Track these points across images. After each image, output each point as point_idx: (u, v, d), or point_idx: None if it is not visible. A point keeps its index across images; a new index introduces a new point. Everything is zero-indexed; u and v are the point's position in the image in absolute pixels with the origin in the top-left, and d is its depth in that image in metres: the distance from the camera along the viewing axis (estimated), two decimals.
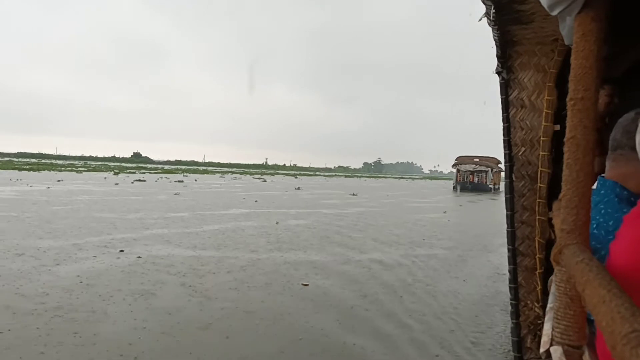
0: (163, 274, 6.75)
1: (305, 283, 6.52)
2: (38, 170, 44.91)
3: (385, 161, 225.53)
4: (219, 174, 61.18)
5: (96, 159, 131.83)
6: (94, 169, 56.32)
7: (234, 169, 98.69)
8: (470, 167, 45.55)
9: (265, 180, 47.43)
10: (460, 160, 46.45)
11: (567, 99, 1.07)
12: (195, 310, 5.17)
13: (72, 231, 10.01)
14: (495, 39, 2.48)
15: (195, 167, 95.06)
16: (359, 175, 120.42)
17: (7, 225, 10.37)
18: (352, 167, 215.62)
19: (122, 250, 8.30)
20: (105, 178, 36.56)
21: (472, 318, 5.39)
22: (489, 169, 45.22)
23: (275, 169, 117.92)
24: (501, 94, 2.66)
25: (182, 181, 36.66)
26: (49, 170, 46.52)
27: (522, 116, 2.62)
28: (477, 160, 45.65)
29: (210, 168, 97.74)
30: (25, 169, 44.99)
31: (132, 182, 31.46)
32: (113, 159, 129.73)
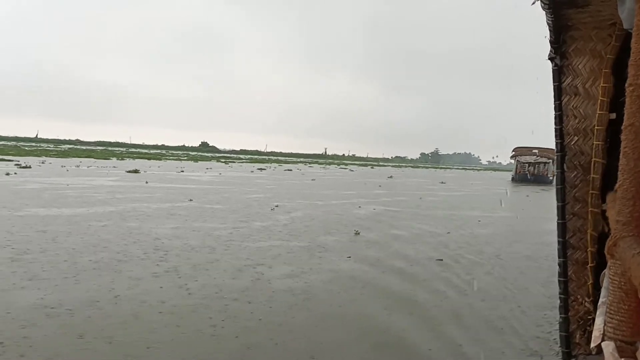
0: (398, 214, 13.76)
1: (479, 220, 13.40)
2: (157, 159, 52.07)
3: (442, 152, 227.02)
4: (304, 164, 68.68)
5: (169, 147, 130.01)
6: (198, 159, 64.61)
7: (301, 159, 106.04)
8: (531, 159, 44.68)
9: (352, 170, 54.48)
10: (518, 152, 45.71)
11: (626, 85, 1.08)
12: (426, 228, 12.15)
13: (319, 199, 17.22)
14: (548, 24, 2.41)
15: (267, 157, 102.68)
16: (422, 165, 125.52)
17: (295, 191, 17.81)
18: (408, 158, 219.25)
19: (360, 207, 15.40)
20: (230, 166, 44.82)
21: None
22: (550, 160, 43.04)
23: (341, 159, 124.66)
24: (554, 81, 2.61)
25: (290, 170, 44.27)
26: (161, 159, 53.43)
27: (575, 104, 2.54)
28: (537, 151, 44.42)
29: (282, 158, 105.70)
30: (134, 158, 50.51)
31: (260, 170, 39.43)
32: (183, 148, 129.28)
